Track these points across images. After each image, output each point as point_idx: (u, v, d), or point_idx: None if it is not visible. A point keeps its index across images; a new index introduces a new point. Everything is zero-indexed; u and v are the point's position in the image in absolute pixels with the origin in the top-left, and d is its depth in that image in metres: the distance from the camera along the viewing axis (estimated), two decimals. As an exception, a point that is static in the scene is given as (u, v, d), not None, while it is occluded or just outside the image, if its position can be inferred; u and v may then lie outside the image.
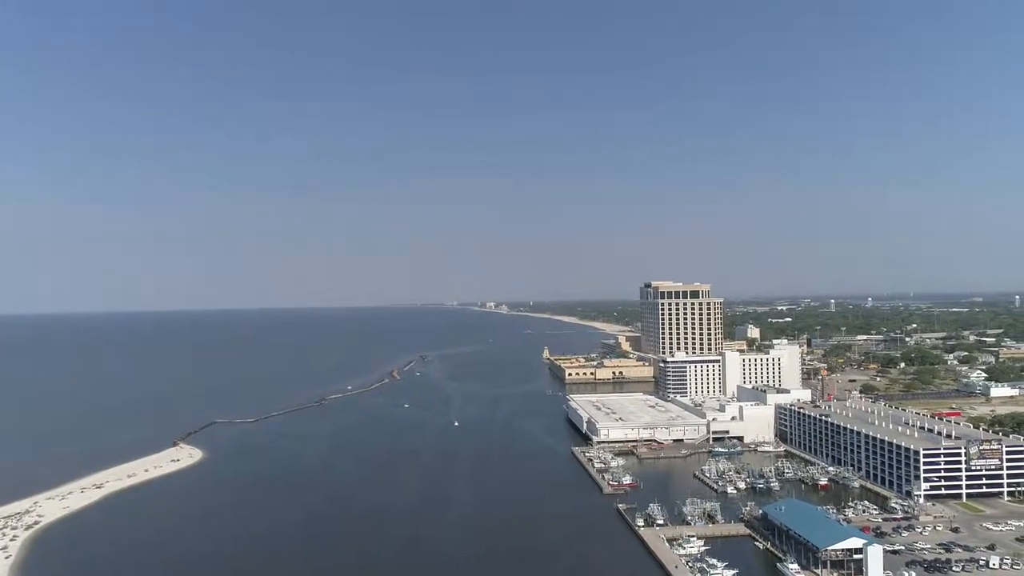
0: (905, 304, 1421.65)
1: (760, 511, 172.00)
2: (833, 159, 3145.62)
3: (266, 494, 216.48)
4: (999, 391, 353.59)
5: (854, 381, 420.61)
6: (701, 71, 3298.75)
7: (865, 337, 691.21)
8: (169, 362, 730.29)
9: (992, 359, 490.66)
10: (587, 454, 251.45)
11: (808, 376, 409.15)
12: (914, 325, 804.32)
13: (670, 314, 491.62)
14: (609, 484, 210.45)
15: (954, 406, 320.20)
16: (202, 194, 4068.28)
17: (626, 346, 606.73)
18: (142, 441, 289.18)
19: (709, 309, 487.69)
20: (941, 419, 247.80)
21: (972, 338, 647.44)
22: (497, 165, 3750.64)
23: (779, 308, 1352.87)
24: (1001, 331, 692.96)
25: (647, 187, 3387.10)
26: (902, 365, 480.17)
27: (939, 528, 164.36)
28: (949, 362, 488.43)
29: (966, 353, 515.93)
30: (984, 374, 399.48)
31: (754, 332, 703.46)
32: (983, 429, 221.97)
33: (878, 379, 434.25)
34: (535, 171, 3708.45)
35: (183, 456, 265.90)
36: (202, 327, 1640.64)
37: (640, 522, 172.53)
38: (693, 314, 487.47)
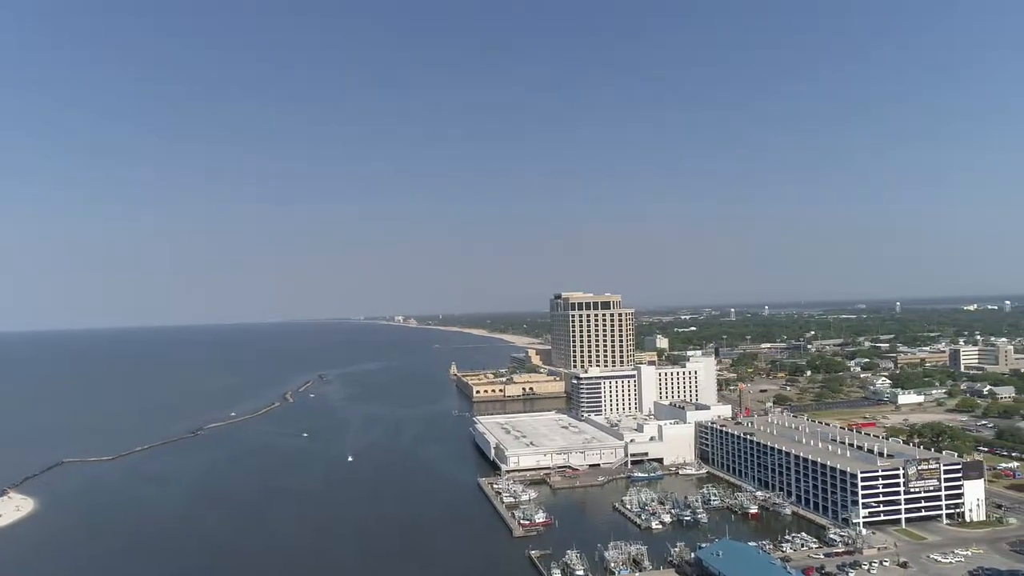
0: (799, 312, 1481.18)
1: (692, 555, 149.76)
2: (720, 169, 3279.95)
3: (102, 559, 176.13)
4: (906, 398, 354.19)
5: (765, 391, 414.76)
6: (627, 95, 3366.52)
7: (769, 345, 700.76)
8: (23, 389, 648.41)
9: (892, 365, 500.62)
10: (495, 486, 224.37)
11: (720, 387, 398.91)
12: (812, 332, 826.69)
13: (581, 326, 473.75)
14: (520, 524, 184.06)
15: (867, 416, 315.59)
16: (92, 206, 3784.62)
17: (536, 360, 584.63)
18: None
19: (621, 320, 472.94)
20: (861, 431, 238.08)
21: (867, 344, 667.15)
22: (408, 178, 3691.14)
23: (683, 317, 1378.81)
24: (892, 336, 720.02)
25: (555, 201, 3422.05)
26: (809, 373, 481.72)
27: (886, 563, 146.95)
28: (852, 369, 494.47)
29: (867, 360, 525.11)
30: (889, 381, 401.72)
31: (663, 342, 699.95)
32: (912, 442, 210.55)
33: (788, 388, 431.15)
34: (446, 186, 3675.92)
35: (7, 510, 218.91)
36: (80, 348, 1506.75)
37: (556, 573, 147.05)
38: (605, 326, 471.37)
